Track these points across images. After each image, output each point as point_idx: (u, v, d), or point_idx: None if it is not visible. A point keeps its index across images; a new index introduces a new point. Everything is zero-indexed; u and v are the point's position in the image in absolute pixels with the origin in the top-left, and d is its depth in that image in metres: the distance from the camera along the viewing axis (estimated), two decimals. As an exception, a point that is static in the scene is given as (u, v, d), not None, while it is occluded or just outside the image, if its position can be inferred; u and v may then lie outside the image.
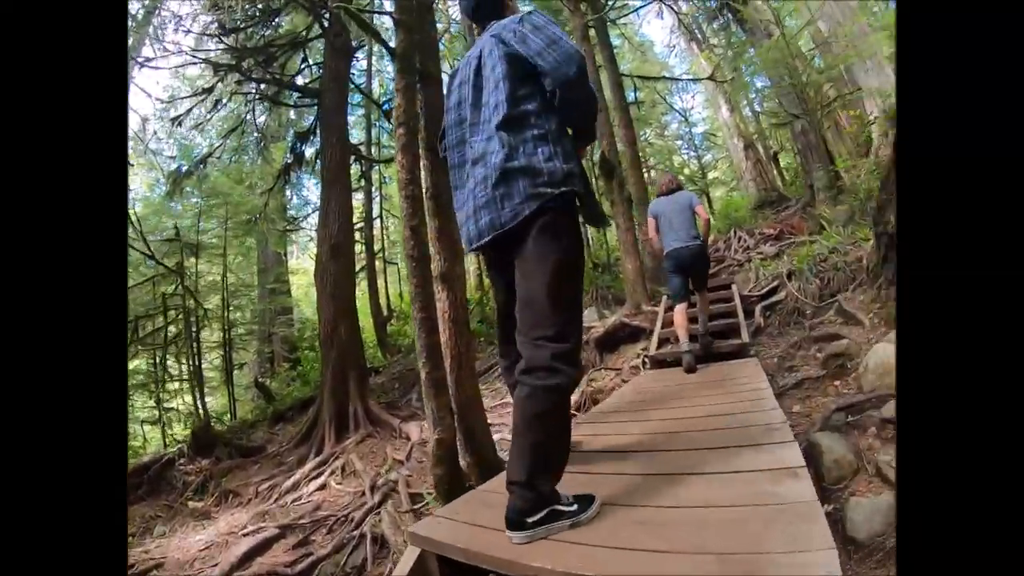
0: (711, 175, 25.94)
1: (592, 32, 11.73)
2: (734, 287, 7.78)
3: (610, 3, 12.94)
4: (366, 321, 14.35)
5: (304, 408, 10.07)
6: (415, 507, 5.16)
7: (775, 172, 20.72)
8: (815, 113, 12.30)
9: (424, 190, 4.34)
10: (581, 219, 2.20)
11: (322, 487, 6.50)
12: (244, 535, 5.47)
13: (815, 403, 4.69)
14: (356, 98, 15.93)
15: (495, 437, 6.51)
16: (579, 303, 2.12)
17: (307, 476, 6.89)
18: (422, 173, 4.38)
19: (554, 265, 1.91)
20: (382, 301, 16.62)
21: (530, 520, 1.76)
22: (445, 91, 2.44)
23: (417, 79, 4.52)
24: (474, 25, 2.91)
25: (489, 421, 7.14)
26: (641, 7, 15.86)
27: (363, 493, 5.79)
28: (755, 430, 2.80)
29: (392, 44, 4.69)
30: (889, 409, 3.80)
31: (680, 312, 5.88)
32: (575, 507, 1.86)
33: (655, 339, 7.08)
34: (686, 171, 25.17)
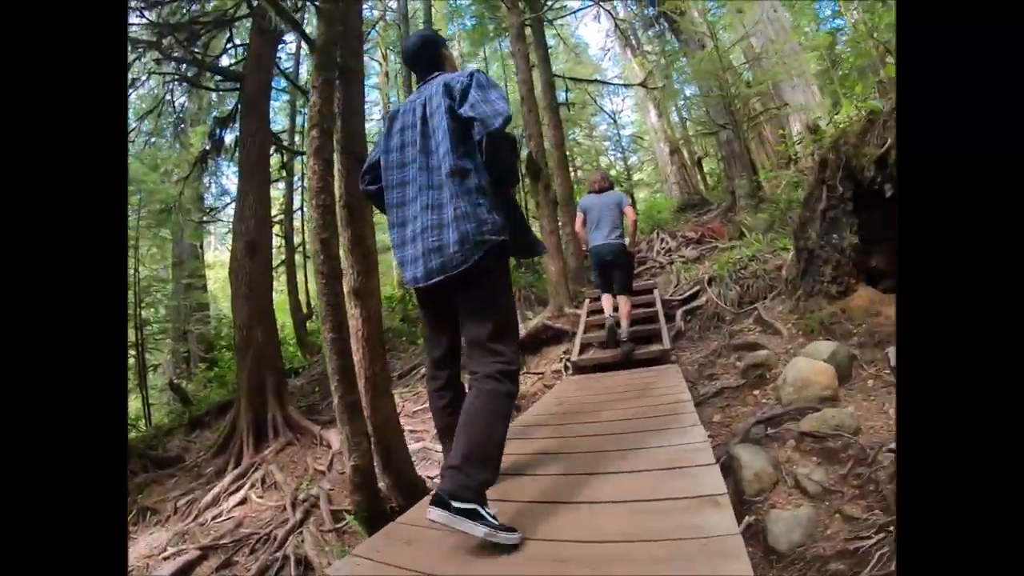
0: (636, 176, 26.43)
1: (528, 31, 11.58)
2: (656, 291, 7.75)
3: (548, 3, 12.83)
4: (286, 319, 13.78)
5: (222, 412, 9.46)
6: (337, 526, 4.88)
7: (698, 177, 21.22)
8: (741, 124, 12.54)
9: (337, 198, 3.97)
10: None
11: (242, 501, 6.17)
12: (165, 558, 5.15)
13: (735, 412, 4.66)
14: (282, 83, 15.18)
15: (416, 446, 6.26)
16: (517, 329, 2.52)
17: (226, 490, 6.48)
18: (336, 180, 4.04)
19: (499, 302, 2.31)
20: (302, 298, 16.02)
21: (455, 505, 1.83)
22: (384, 131, 2.60)
23: (337, 75, 4.07)
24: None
25: (411, 428, 6.89)
26: (579, 10, 15.87)
27: (284, 508, 5.56)
28: (676, 451, 2.70)
29: (314, 35, 4.22)
30: (808, 423, 3.78)
31: (607, 298, 6.20)
32: (497, 523, 1.87)
33: (577, 344, 6.97)
34: (613, 172, 25.44)
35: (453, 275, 2.20)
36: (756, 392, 4.85)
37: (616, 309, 6.18)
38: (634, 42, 21.07)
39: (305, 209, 17.97)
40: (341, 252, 3.96)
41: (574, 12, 14.68)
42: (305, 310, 15.86)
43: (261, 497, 6.17)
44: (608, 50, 24.19)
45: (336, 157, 4.02)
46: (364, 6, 18.86)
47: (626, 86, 17.65)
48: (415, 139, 2.37)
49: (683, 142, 21.74)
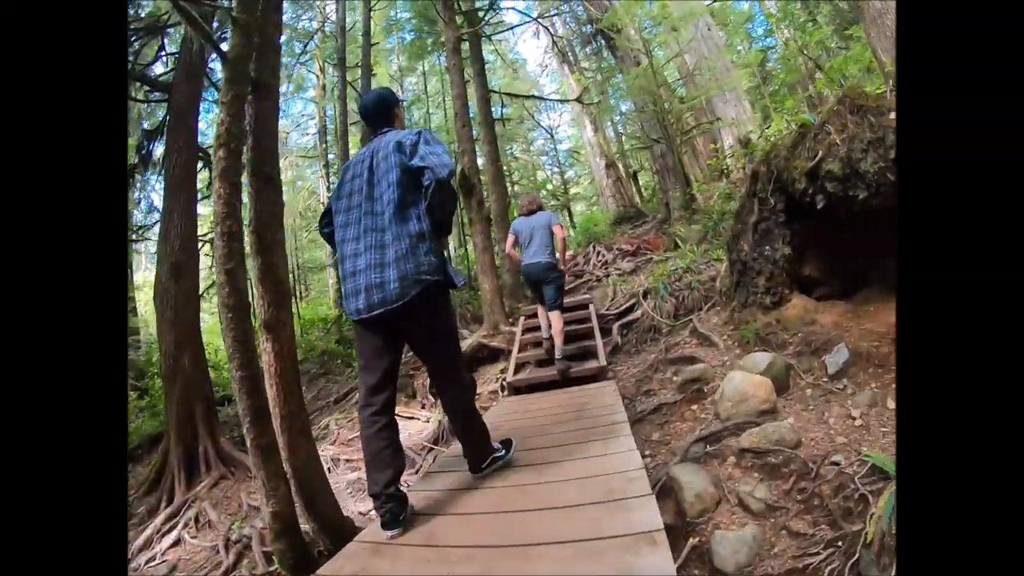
0: (573, 190, 26.60)
1: (465, 46, 11.41)
2: (591, 306, 7.61)
3: (486, 19, 12.69)
4: (217, 341, 13.10)
5: (153, 444, 8.81)
6: (271, 569, 4.58)
7: (634, 190, 21.42)
8: (675, 139, 12.66)
9: (246, 223, 3.58)
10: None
11: (176, 543, 5.80)
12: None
13: (673, 429, 4.52)
14: (215, 94, 14.49)
15: (352, 476, 5.90)
16: (459, 348, 2.98)
17: (159, 531, 6.04)
18: (246, 203, 3.64)
19: (441, 331, 2.69)
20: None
21: (483, 467, 2.97)
22: (339, 180, 2.86)
23: (250, 90, 3.66)
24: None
25: (346, 457, 6.53)
26: (517, 26, 15.82)
27: (219, 550, 5.28)
28: (612, 481, 2.55)
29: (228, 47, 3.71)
30: (748, 438, 3.67)
31: (542, 312, 6.29)
32: (503, 452, 3.09)
33: (512, 364, 6.76)
34: (549, 186, 25.58)
35: (392, 308, 2.45)
36: (694, 407, 4.74)
37: (550, 327, 6.17)
38: (571, 59, 21.19)
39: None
40: (252, 281, 3.61)
41: (511, 28, 14.61)
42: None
43: (195, 537, 5.81)
44: (546, 66, 24.30)
45: (245, 179, 3.63)
46: (304, 17, 18.62)
47: (562, 101, 17.70)
48: (362, 187, 2.64)
49: (618, 156, 21.93)
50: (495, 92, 13.19)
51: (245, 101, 3.61)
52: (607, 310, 8.03)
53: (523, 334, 7.38)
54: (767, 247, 5.36)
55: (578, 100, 15.21)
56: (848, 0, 6.11)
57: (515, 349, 6.98)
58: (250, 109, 3.70)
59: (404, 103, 3.79)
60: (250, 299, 3.67)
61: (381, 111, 2.90)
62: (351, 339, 12.09)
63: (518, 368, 6.68)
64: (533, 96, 13.85)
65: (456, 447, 3.54)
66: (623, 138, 23.15)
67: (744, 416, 4.01)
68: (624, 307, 7.94)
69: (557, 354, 6.02)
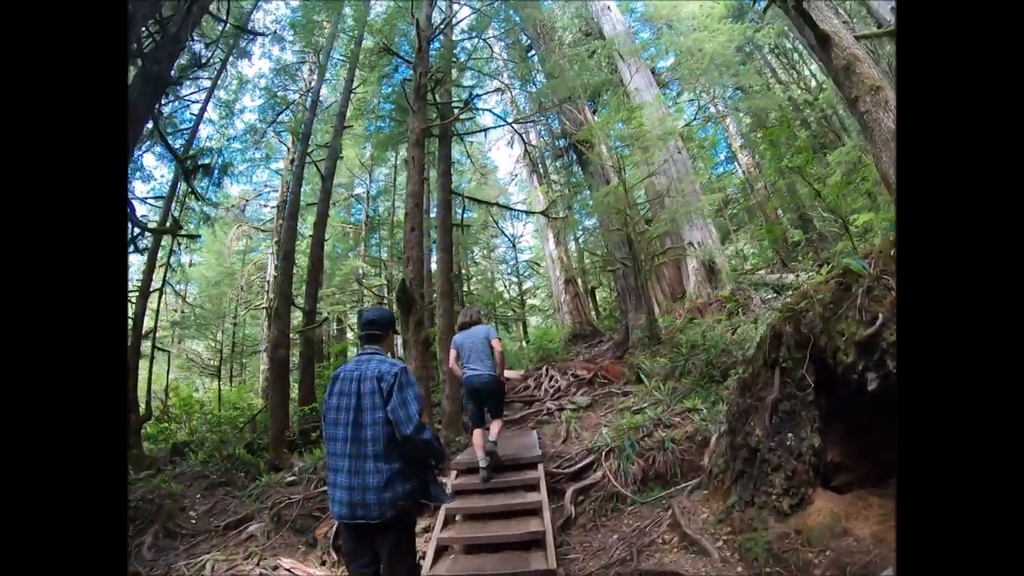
0: (530, 302, 25.16)
1: (435, 144, 10.13)
2: (540, 467, 5.69)
3: (460, 114, 11.51)
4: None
5: None
6: None
7: (591, 306, 20.13)
8: (642, 262, 11.32)
9: None
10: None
11: None
12: None
13: None
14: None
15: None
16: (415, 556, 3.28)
17: None
18: None
19: (406, 544, 2.99)
20: (140, 394, 12.78)
21: None
22: (328, 390, 3.05)
23: None
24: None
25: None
26: (491, 128, 14.75)
27: None
28: None
29: None
30: None
31: (479, 434, 5.83)
32: None
33: (432, 550, 4.77)
34: (506, 295, 24.21)
35: (371, 523, 2.75)
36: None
37: (489, 443, 5.75)
38: (541, 170, 20.40)
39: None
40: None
41: (484, 130, 13.47)
42: (144, 410, 12.69)
43: None
44: (515, 176, 23.35)
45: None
46: (282, 86, 17.26)
47: (528, 213, 16.50)
48: (349, 406, 2.88)
49: (579, 272, 20.79)
50: (458, 194, 11.79)
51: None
52: (559, 467, 6.18)
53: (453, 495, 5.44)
54: (789, 434, 3.74)
55: (544, 213, 14.00)
56: (859, 121, 4.87)
57: (437, 528, 5.02)
58: None
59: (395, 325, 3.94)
60: None
61: (374, 330, 3.14)
62: (264, 446, 10.65)
63: (439, 555, 4.73)
64: (499, 204, 12.50)
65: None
66: (585, 254, 22.12)
67: None
68: (580, 464, 6.11)
69: (490, 446, 5.68)
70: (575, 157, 17.45)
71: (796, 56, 19.74)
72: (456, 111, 11.31)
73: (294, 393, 12.96)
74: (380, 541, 2.84)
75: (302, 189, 18.82)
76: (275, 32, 14.07)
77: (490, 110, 14.06)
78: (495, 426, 5.87)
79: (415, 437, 2.75)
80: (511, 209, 14.35)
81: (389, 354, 3.17)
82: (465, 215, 21.14)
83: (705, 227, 13.99)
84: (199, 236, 12.19)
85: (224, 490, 9.03)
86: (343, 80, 14.89)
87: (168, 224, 11.48)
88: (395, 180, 21.86)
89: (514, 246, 25.29)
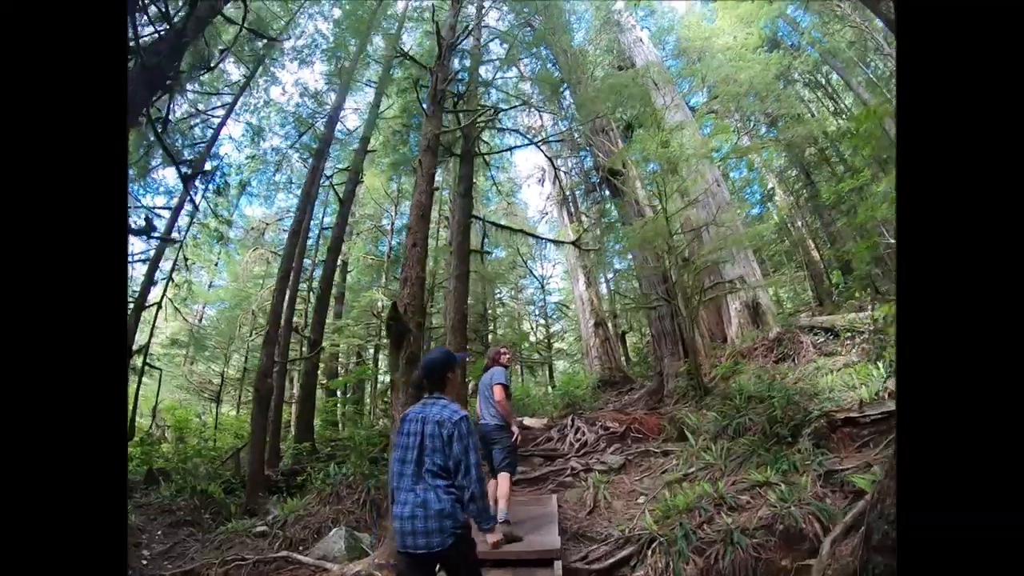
0: (557, 345, 23.39)
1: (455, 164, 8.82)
2: (558, 565, 3.95)
3: (483, 120, 10.17)
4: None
5: None
6: None
7: (621, 351, 18.33)
8: (687, 299, 9.60)
9: None
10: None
11: None
12: None
13: None
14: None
15: None
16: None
17: None
18: None
19: (469, 562, 2.96)
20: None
21: None
22: (398, 428, 3.12)
23: None
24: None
25: None
26: (519, 147, 13.34)
27: None
28: None
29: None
30: None
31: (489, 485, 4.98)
32: None
33: None
34: (532, 338, 22.51)
35: (429, 552, 2.71)
36: None
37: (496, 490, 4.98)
38: (572, 208, 18.94)
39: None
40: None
41: (510, 149, 11.98)
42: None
43: None
44: (546, 214, 21.87)
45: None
46: (308, 109, 16.13)
47: (557, 242, 14.85)
48: (415, 445, 2.89)
49: (609, 315, 19.07)
50: (479, 218, 10.33)
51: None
52: (585, 561, 4.42)
53: None
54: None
55: (575, 243, 12.47)
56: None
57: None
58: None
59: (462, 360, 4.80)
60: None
61: (439, 374, 3.10)
62: (237, 487, 9.22)
63: None
64: (524, 231, 10.94)
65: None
66: (616, 296, 20.45)
67: None
68: (614, 558, 4.36)
69: (500, 516, 4.55)
70: (607, 192, 16.05)
71: (832, 87, 18.23)
72: (477, 118, 9.93)
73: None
74: (450, 566, 2.93)
75: (325, 217, 17.72)
76: (291, 39, 12.96)
77: (517, 130, 12.64)
78: (503, 487, 5.02)
79: (477, 502, 2.77)
80: (538, 237, 12.74)
81: (455, 396, 3.16)
82: (494, 255, 19.77)
83: (748, 263, 12.26)
84: (178, 241, 10.89)
85: (188, 530, 7.51)
86: (369, 105, 13.88)
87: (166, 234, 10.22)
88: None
89: (543, 287, 23.78)
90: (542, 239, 13.37)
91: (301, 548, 6.07)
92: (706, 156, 10.69)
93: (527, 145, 12.00)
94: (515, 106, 12.06)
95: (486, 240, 11.76)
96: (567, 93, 16.52)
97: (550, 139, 13.08)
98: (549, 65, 16.09)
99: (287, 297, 10.13)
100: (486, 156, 11.12)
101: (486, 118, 10.17)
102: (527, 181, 22.20)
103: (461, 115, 9.65)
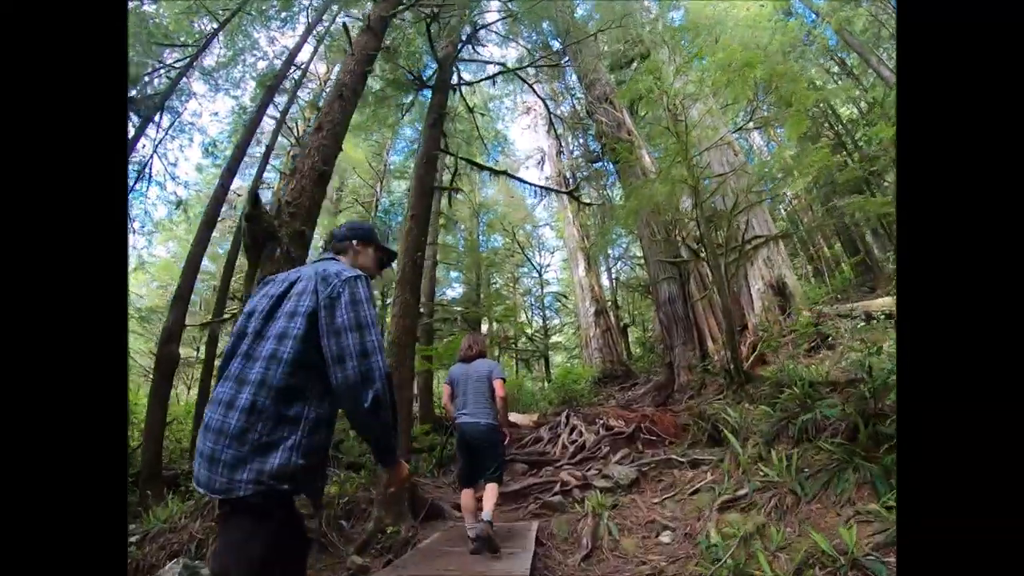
0: (554, 339, 21.29)
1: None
2: None
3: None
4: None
5: None
6: None
7: (623, 345, 16.16)
8: (723, 255, 7.34)
9: None
10: None
11: None
12: None
13: None
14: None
15: None
16: None
17: None
18: None
19: (253, 554, 1.46)
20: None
21: None
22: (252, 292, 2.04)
23: None
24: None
25: None
26: (497, 75, 11.08)
27: None
28: None
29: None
30: None
31: (467, 495, 4.16)
32: None
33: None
34: (528, 330, 20.39)
35: (215, 497, 1.43)
36: None
37: (483, 521, 3.73)
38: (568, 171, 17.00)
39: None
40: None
41: (491, 78, 9.74)
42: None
43: None
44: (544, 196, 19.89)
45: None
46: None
47: (549, 190, 12.51)
48: (264, 310, 1.59)
49: (611, 304, 16.93)
50: (447, 152, 8.21)
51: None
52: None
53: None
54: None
55: (570, 193, 10.39)
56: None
57: None
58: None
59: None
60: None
61: (339, 235, 1.95)
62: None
63: None
64: (508, 173, 8.69)
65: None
66: (617, 285, 18.35)
67: None
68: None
69: (485, 517, 3.66)
70: (612, 165, 13.94)
71: (851, 62, 16.12)
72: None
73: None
74: (223, 529, 1.48)
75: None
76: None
77: (503, 64, 10.42)
78: (490, 495, 4.00)
79: (374, 414, 1.44)
80: (525, 182, 10.41)
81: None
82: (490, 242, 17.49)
83: (769, 230, 10.17)
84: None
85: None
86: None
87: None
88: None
89: (540, 276, 21.77)
90: (531, 184, 10.92)
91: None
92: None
93: (509, 71, 9.81)
94: (497, 20, 9.87)
95: (456, 179, 9.66)
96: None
97: (537, 62, 11.02)
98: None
99: (206, 248, 7.89)
100: (462, 88, 8.99)
101: (461, 35, 8.05)
102: (524, 164, 20.16)
103: (434, 41, 7.60)
